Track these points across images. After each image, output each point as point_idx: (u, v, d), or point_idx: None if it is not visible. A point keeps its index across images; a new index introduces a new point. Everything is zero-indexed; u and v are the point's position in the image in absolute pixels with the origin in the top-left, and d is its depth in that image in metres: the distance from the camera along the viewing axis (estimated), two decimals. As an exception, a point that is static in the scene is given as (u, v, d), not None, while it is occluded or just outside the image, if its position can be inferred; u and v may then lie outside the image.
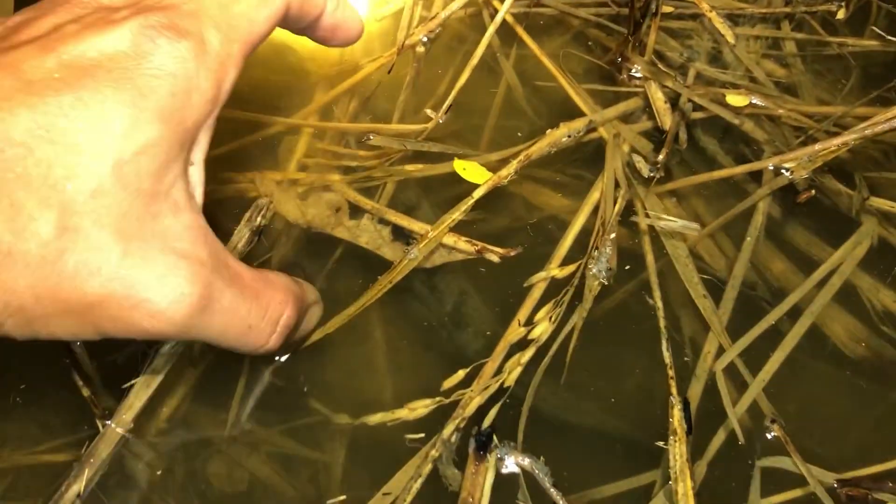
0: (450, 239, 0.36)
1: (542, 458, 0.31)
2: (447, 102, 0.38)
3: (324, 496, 0.31)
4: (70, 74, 0.23)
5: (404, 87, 0.41)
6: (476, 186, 0.37)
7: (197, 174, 0.27)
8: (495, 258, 0.36)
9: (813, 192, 0.38)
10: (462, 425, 0.32)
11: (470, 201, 0.36)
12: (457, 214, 0.36)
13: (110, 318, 0.24)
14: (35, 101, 0.22)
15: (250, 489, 0.31)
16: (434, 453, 0.32)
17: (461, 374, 0.33)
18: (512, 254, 0.36)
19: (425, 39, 0.43)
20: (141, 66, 0.24)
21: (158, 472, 0.31)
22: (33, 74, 0.23)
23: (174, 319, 0.25)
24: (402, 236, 0.37)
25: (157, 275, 0.24)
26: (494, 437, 0.32)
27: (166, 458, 0.32)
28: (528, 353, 0.34)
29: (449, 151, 0.39)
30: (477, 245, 0.36)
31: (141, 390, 0.32)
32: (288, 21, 0.29)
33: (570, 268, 0.36)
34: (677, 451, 0.32)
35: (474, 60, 0.39)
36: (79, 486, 0.30)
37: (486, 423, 0.32)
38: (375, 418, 0.33)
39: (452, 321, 0.35)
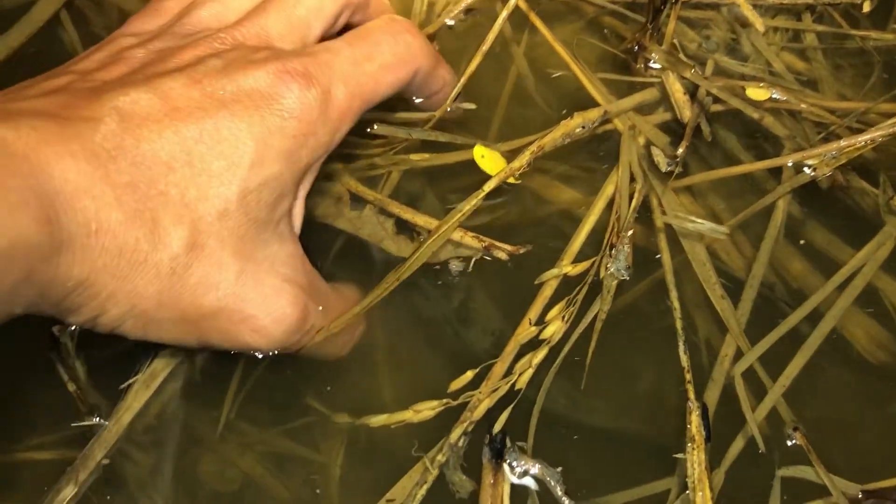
0: (456, 234, 0.34)
1: (556, 467, 0.30)
2: (455, 90, 0.36)
3: (319, 499, 0.30)
4: (211, 105, 0.26)
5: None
6: (485, 177, 0.36)
7: (298, 208, 0.30)
8: (503, 255, 0.34)
9: (841, 179, 0.37)
10: (470, 429, 0.31)
11: (480, 195, 0.35)
12: (467, 208, 0.34)
13: (217, 329, 0.27)
14: (180, 126, 0.25)
15: (242, 489, 0.30)
16: (441, 458, 0.30)
17: (470, 374, 0.32)
18: (521, 251, 0.34)
19: (452, 23, 0.41)
20: (272, 107, 0.26)
21: (147, 471, 0.30)
22: (179, 101, 0.26)
23: (273, 336, 0.28)
24: (406, 230, 0.35)
25: (265, 295, 0.27)
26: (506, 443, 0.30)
27: (155, 456, 0.30)
28: (541, 354, 0.32)
29: (457, 141, 0.37)
30: (485, 241, 0.34)
31: (140, 392, 0.31)
32: (405, 90, 0.33)
33: (584, 265, 0.35)
34: (695, 458, 0.30)
35: (485, 46, 0.38)
36: (74, 489, 0.29)
37: (498, 427, 0.31)
38: (378, 420, 0.31)
39: (459, 318, 0.34)
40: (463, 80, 0.37)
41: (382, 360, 0.33)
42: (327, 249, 0.35)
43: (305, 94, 0.27)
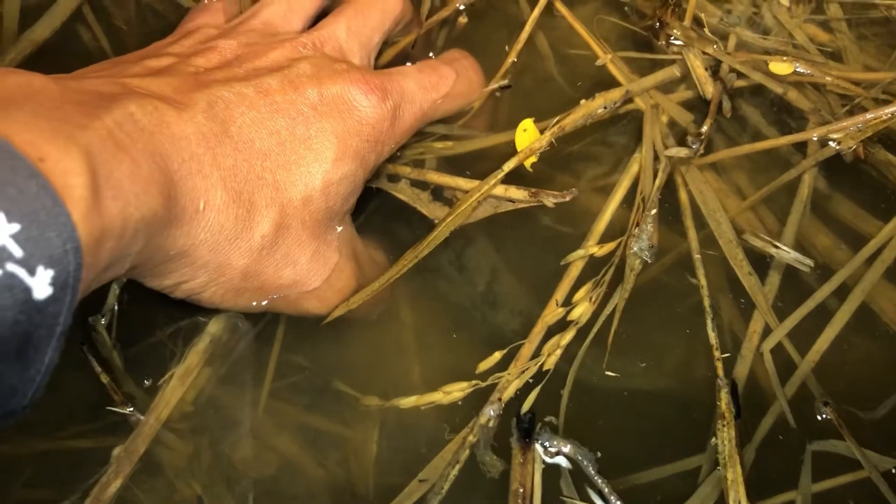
0: (499, 189, 0.34)
1: (587, 446, 0.30)
2: (494, 85, 0.37)
3: (354, 480, 0.30)
4: (303, 104, 0.29)
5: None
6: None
7: (354, 200, 0.33)
8: (550, 203, 0.34)
9: (861, 152, 0.37)
10: (500, 409, 0.31)
11: (500, 174, 0.35)
12: (486, 188, 0.34)
13: (287, 298, 0.31)
14: (277, 119, 0.29)
15: (278, 472, 0.31)
16: (472, 438, 0.30)
17: (497, 355, 0.32)
18: (567, 198, 0.34)
19: (462, 7, 0.41)
20: (353, 113, 0.30)
21: (185, 458, 0.31)
22: (276, 98, 0.29)
23: (332, 304, 0.32)
24: (441, 198, 0.35)
25: (331, 271, 0.31)
26: (536, 423, 0.31)
27: (192, 443, 0.31)
28: (569, 336, 0.32)
29: (487, 137, 0.37)
30: (532, 189, 0.34)
31: (177, 386, 0.31)
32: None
33: (610, 245, 0.35)
34: (725, 435, 0.30)
35: (524, 35, 0.38)
36: (119, 483, 0.30)
37: (526, 407, 0.31)
38: (408, 401, 0.32)
39: (486, 301, 0.34)
40: (500, 72, 0.37)
41: (412, 343, 0.34)
42: (357, 214, 0.35)
43: (381, 106, 0.31)
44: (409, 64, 0.36)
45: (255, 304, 0.31)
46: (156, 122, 0.25)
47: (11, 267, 0.18)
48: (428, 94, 0.33)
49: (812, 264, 0.34)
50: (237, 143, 0.28)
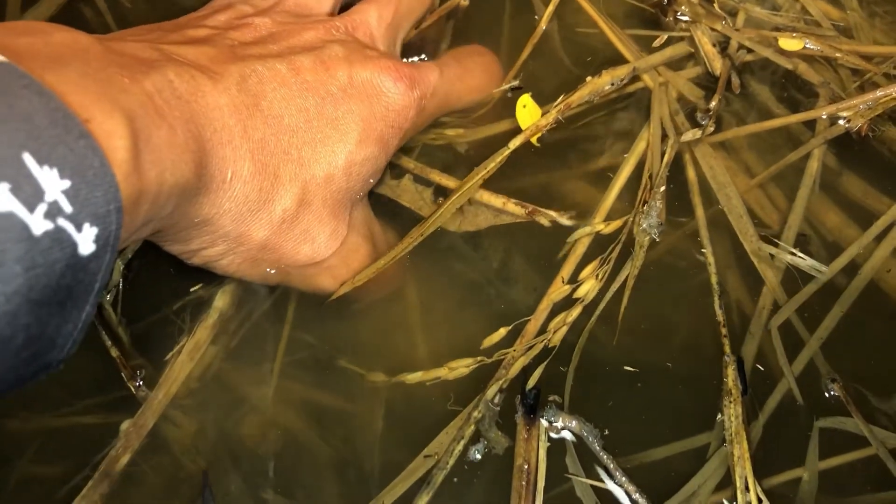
0: (497, 201, 0.34)
1: (594, 422, 0.30)
2: (507, 85, 0.37)
3: (360, 456, 0.30)
4: (333, 85, 0.30)
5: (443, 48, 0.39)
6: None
7: (374, 181, 0.33)
8: (546, 222, 0.34)
9: (866, 129, 0.36)
10: (505, 386, 0.31)
11: (506, 152, 0.35)
12: (492, 165, 0.34)
13: (303, 273, 0.31)
14: (307, 96, 0.29)
15: (284, 449, 0.31)
16: (477, 414, 0.30)
17: (502, 331, 0.32)
18: (563, 220, 0.34)
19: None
20: (380, 98, 0.31)
21: (190, 434, 0.31)
22: (308, 76, 0.29)
23: (343, 280, 0.32)
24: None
25: (347, 250, 0.31)
26: (541, 399, 0.31)
27: (198, 419, 0.31)
28: (575, 313, 0.32)
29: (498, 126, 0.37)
30: (528, 207, 0.34)
31: (185, 361, 0.31)
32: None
33: (617, 223, 0.34)
34: (732, 412, 0.30)
35: (543, 24, 0.37)
36: (127, 458, 0.30)
37: (531, 383, 0.31)
38: (414, 377, 0.32)
39: (500, 278, 0.34)
40: (517, 65, 0.37)
41: (418, 321, 0.33)
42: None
43: (409, 94, 0.31)
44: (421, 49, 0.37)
45: (269, 276, 0.31)
46: (192, 90, 0.26)
47: (62, 221, 0.19)
48: (453, 85, 0.34)
49: (826, 271, 0.34)
50: (267, 116, 0.28)
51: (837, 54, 0.39)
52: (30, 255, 0.18)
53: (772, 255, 0.34)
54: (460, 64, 0.35)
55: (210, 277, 0.32)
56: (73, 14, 0.39)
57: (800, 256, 0.34)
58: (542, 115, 0.36)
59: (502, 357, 0.32)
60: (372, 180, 0.32)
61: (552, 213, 0.34)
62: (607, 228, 0.34)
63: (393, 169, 0.36)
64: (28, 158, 0.18)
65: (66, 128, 0.19)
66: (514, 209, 0.34)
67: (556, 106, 0.36)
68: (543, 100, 0.37)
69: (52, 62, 0.21)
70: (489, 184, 0.35)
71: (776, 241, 0.34)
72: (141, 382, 0.31)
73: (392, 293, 0.34)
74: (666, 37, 0.39)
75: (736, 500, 0.29)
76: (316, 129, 0.29)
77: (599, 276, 0.33)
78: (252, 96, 0.28)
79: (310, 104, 0.29)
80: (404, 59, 0.36)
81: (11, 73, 0.19)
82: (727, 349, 0.32)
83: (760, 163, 0.37)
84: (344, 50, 0.31)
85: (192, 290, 0.33)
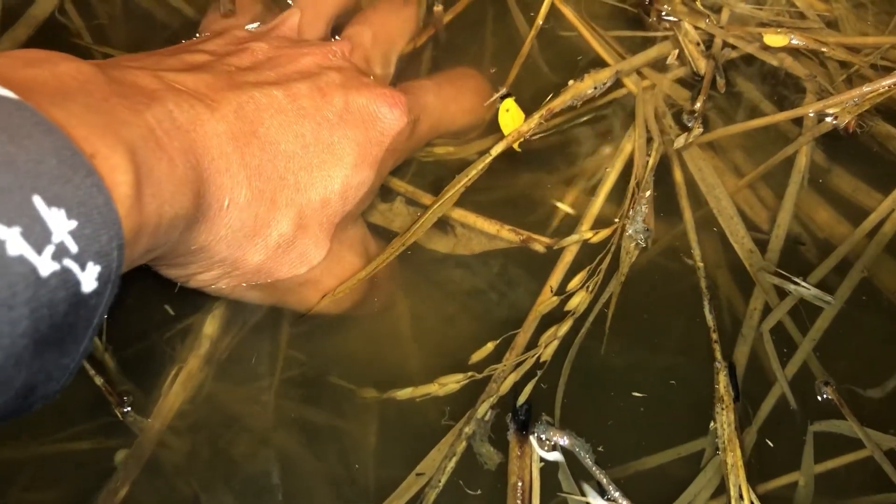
0: (492, 227, 0.34)
1: (589, 432, 0.30)
2: (496, 95, 0.36)
3: (354, 473, 0.30)
4: (329, 111, 0.30)
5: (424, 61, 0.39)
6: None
7: (369, 202, 0.34)
8: (541, 248, 0.34)
9: (853, 125, 0.36)
10: (496, 401, 0.31)
11: (488, 159, 0.34)
12: (474, 173, 0.34)
13: (299, 294, 0.31)
14: (303, 123, 0.29)
15: (277, 467, 0.30)
16: (468, 430, 0.30)
17: (490, 346, 0.32)
18: (556, 247, 0.34)
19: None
20: (375, 124, 0.31)
21: (183, 456, 0.30)
22: (304, 103, 0.30)
23: (344, 303, 0.32)
24: (439, 222, 0.35)
25: (344, 270, 0.32)
26: (532, 415, 0.30)
27: (190, 440, 0.31)
28: (566, 326, 0.32)
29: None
30: (522, 235, 0.34)
31: (178, 392, 0.31)
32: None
33: (606, 232, 0.34)
34: (724, 419, 0.30)
35: (533, 33, 0.37)
36: (126, 490, 0.30)
37: (522, 399, 0.31)
38: (404, 393, 0.31)
39: (504, 282, 0.34)
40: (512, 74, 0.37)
41: (407, 332, 0.33)
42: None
43: (402, 118, 0.31)
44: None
45: (265, 298, 0.32)
46: (191, 119, 0.26)
47: (67, 262, 0.19)
48: (446, 107, 0.35)
49: (832, 301, 0.33)
50: (264, 143, 0.28)
51: (824, 48, 0.38)
52: (36, 297, 0.18)
53: (779, 293, 0.33)
54: (453, 85, 0.36)
55: (202, 299, 0.32)
56: (52, 31, 0.39)
57: (803, 286, 0.33)
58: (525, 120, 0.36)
59: (492, 372, 0.31)
60: (367, 201, 0.32)
61: (546, 240, 0.34)
62: (595, 237, 0.34)
63: (383, 192, 0.35)
64: (38, 201, 0.19)
65: (74, 166, 0.20)
66: (508, 235, 0.34)
67: (538, 111, 0.35)
68: (528, 106, 0.37)
69: (59, 95, 0.22)
70: (473, 193, 0.35)
71: (781, 272, 0.34)
72: (129, 409, 0.31)
73: (384, 307, 0.34)
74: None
75: (731, 507, 0.29)
76: (312, 155, 0.29)
77: (590, 289, 0.33)
78: (249, 123, 0.28)
79: (306, 130, 0.29)
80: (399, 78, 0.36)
81: (22, 110, 0.19)
82: (718, 354, 0.32)
83: (749, 162, 0.37)
84: (340, 77, 0.31)
85: (180, 316, 0.32)
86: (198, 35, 0.36)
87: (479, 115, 0.37)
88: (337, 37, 0.36)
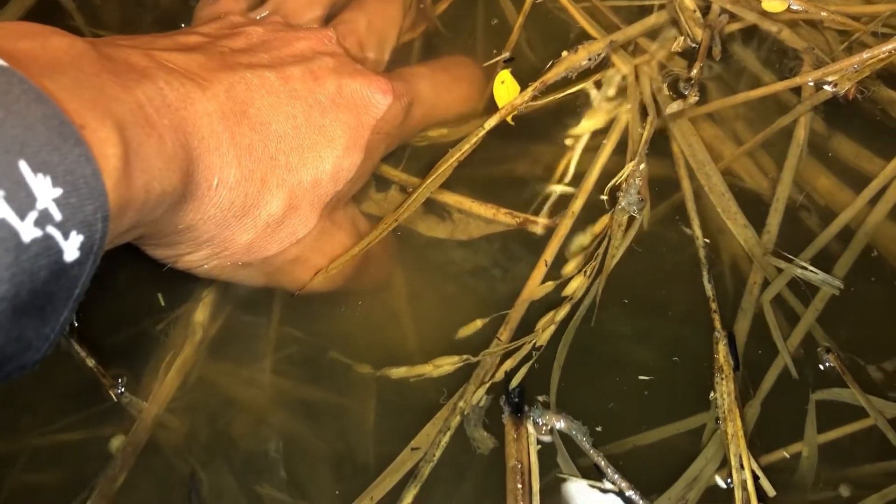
0: (488, 211, 0.34)
1: (579, 418, 0.30)
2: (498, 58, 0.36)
3: (354, 450, 0.30)
4: (321, 95, 0.30)
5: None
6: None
7: (361, 184, 0.34)
8: (539, 230, 0.34)
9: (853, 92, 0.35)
10: (489, 387, 0.31)
11: (481, 132, 0.34)
12: (467, 147, 0.34)
13: (290, 273, 0.31)
14: (295, 105, 0.30)
15: (277, 446, 0.31)
16: (462, 405, 0.30)
17: (479, 323, 0.32)
18: (556, 224, 0.34)
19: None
20: (368, 109, 0.31)
21: (182, 437, 0.31)
22: (297, 85, 0.30)
23: (336, 280, 0.32)
24: (436, 208, 0.35)
25: (335, 249, 0.32)
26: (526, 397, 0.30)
27: (189, 421, 0.31)
28: (563, 311, 0.32)
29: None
30: (519, 217, 0.34)
31: (174, 378, 0.31)
32: None
33: (602, 223, 0.34)
34: (724, 389, 0.30)
35: (506, 53, 0.37)
36: (124, 477, 0.30)
37: (514, 383, 0.30)
38: (398, 372, 0.31)
39: (507, 256, 0.34)
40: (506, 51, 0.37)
41: (406, 310, 0.33)
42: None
43: (395, 104, 0.32)
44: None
45: (255, 278, 0.32)
46: (182, 97, 0.26)
47: (50, 229, 0.19)
48: (441, 96, 0.35)
49: (841, 285, 0.32)
50: (255, 123, 0.28)
51: (823, 14, 0.37)
52: (17, 262, 0.18)
53: (779, 269, 0.33)
54: (448, 73, 0.36)
55: (193, 284, 0.32)
56: (45, 13, 0.39)
57: (811, 270, 0.32)
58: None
59: (488, 356, 0.31)
60: (359, 182, 0.32)
61: (543, 220, 0.34)
62: (595, 229, 0.34)
63: (378, 181, 0.35)
64: (23, 166, 0.19)
65: (62, 135, 0.20)
66: (504, 219, 0.34)
67: (532, 84, 0.35)
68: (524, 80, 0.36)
69: (50, 68, 0.22)
70: (467, 167, 0.34)
71: (788, 255, 0.33)
72: (123, 390, 0.31)
73: (382, 285, 0.34)
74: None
75: (731, 478, 0.29)
76: (304, 136, 0.29)
77: (588, 273, 0.32)
78: (240, 103, 0.28)
79: (297, 111, 0.29)
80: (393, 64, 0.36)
81: (11, 77, 0.19)
82: (717, 324, 0.31)
83: (749, 130, 0.36)
84: (334, 62, 0.31)
85: (171, 302, 0.32)
86: (193, 22, 0.35)
87: (473, 104, 0.36)
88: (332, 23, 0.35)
